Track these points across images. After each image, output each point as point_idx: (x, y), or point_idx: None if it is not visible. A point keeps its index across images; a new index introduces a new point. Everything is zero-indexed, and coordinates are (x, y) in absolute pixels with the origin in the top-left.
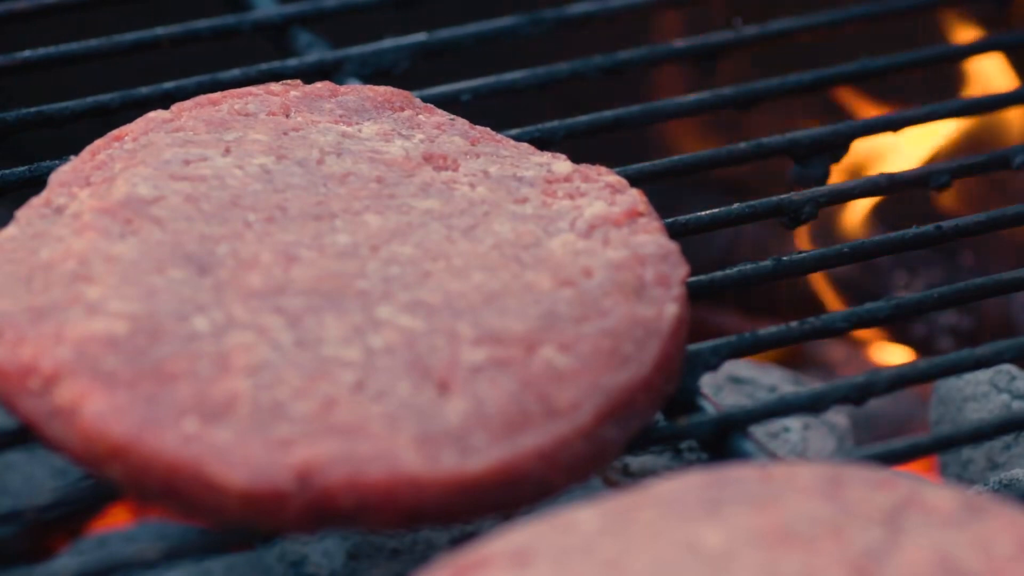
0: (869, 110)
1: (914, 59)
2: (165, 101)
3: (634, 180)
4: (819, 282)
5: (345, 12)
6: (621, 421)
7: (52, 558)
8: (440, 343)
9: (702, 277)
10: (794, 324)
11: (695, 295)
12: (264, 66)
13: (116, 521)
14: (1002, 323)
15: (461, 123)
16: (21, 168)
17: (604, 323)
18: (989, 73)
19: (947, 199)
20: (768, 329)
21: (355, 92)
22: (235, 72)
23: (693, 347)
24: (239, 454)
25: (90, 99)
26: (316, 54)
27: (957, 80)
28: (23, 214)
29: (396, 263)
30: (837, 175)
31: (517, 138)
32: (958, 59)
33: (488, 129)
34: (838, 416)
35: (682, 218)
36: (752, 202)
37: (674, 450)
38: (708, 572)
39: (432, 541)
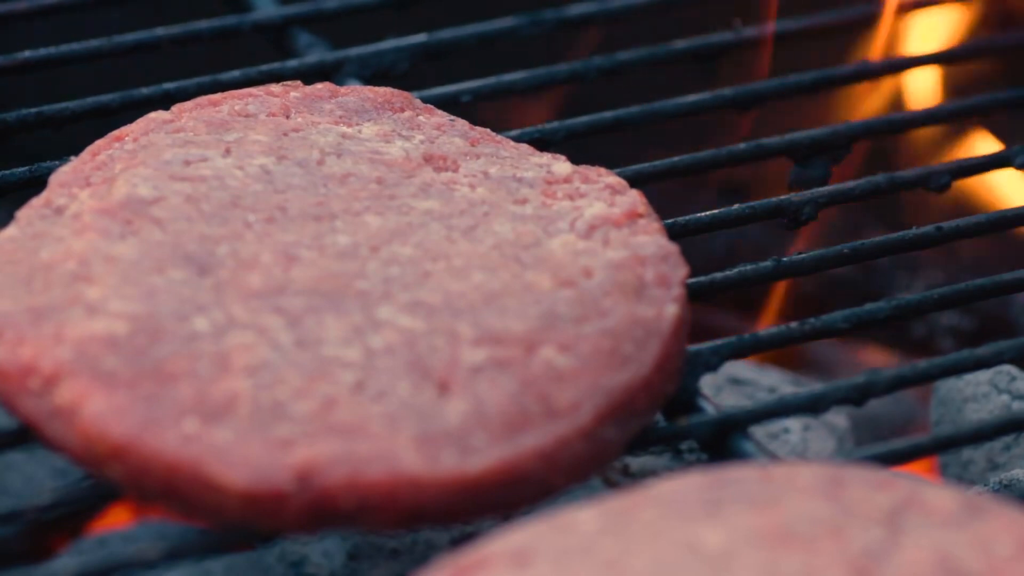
0: None
1: (914, 60)
2: (165, 102)
3: (634, 181)
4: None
5: (345, 13)
6: (621, 421)
7: (52, 558)
8: (440, 343)
9: (702, 278)
10: (794, 324)
11: (695, 296)
12: (264, 67)
13: (116, 521)
14: (1002, 323)
15: (461, 124)
16: (21, 168)
17: (604, 323)
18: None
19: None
20: (768, 329)
21: (355, 93)
22: (235, 73)
23: (693, 347)
24: (239, 454)
25: (90, 99)
26: (316, 55)
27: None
28: (23, 214)
29: (396, 263)
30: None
31: (517, 139)
32: (958, 61)
33: (488, 130)
34: (838, 417)
35: (682, 219)
36: (752, 203)
37: (674, 450)
38: (708, 572)
39: (432, 541)
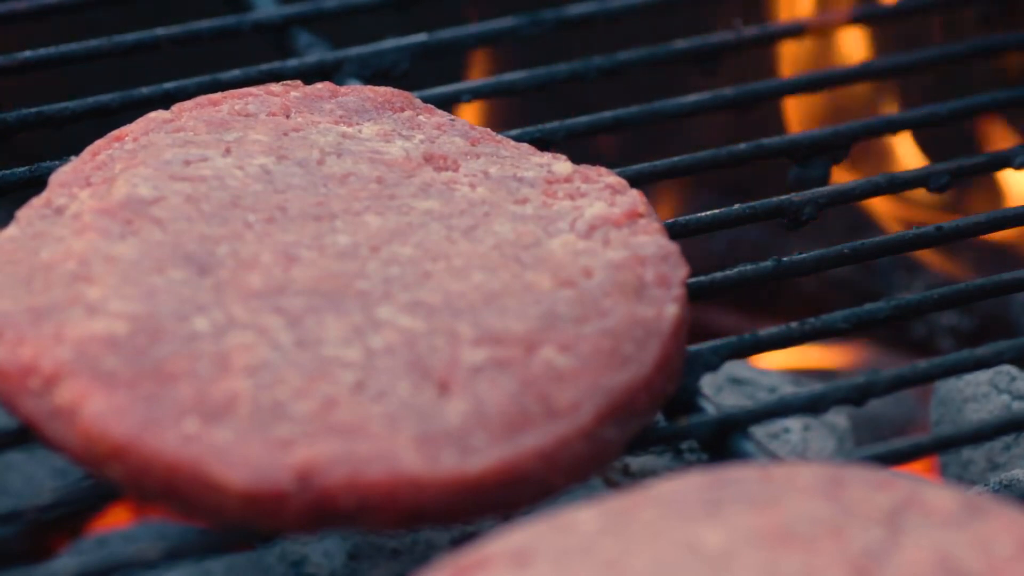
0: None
1: (916, 60)
2: (165, 101)
3: (634, 181)
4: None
5: (345, 12)
6: (621, 421)
7: (52, 558)
8: (440, 343)
9: (702, 277)
10: (794, 324)
11: (695, 295)
12: (264, 66)
13: (116, 521)
14: (1002, 323)
15: (461, 123)
16: (22, 168)
17: (604, 323)
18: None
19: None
20: (768, 330)
21: (355, 93)
22: (235, 72)
23: (693, 347)
24: (239, 454)
25: (90, 99)
26: (316, 54)
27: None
28: (23, 214)
29: (396, 263)
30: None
31: (517, 138)
32: (957, 60)
33: (488, 130)
34: (838, 417)
35: (682, 219)
36: (752, 203)
37: (674, 450)
38: (708, 572)
39: (432, 541)
